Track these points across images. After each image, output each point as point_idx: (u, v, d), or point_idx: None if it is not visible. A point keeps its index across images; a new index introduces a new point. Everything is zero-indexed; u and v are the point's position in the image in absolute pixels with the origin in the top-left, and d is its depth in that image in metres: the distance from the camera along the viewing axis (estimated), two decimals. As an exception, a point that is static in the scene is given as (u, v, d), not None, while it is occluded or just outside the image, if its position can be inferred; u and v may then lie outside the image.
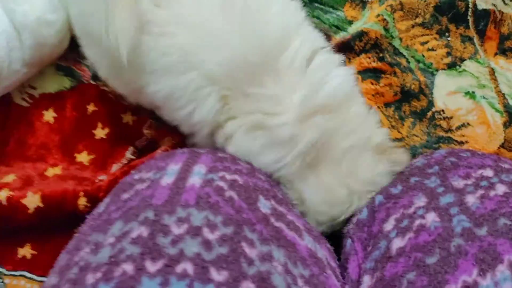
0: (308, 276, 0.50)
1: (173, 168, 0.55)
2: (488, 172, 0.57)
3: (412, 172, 0.64)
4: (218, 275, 0.42)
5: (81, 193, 0.70)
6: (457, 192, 0.55)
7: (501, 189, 0.54)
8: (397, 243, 0.54)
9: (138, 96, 0.70)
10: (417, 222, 0.54)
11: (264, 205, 0.55)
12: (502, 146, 0.88)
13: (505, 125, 0.89)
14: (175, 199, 0.49)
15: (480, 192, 0.54)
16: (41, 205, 0.70)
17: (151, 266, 0.41)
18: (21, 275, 0.73)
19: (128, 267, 0.40)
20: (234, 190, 0.54)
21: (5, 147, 0.78)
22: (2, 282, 0.72)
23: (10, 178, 0.74)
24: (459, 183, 0.57)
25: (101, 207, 0.55)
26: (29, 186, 0.71)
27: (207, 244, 0.44)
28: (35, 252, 0.73)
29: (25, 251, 0.73)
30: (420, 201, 0.57)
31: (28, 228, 0.72)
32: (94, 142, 0.78)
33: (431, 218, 0.53)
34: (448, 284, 0.45)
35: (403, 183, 0.62)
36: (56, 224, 0.71)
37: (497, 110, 0.90)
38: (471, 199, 0.53)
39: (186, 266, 0.41)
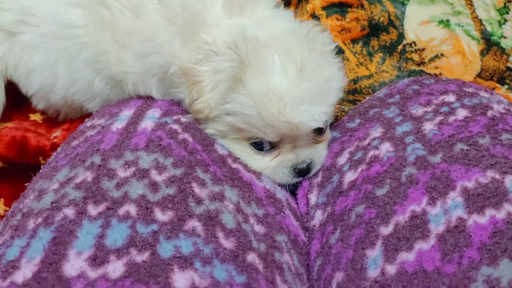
0: (262, 215, 0.49)
1: (126, 113, 0.55)
2: (450, 98, 0.55)
3: (373, 103, 0.61)
4: (162, 215, 0.42)
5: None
6: (415, 120, 0.53)
7: (461, 113, 0.51)
8: (349, 177, 0.52)
9: None
10: (371, 153, 0.52)
11: (222, 147, 0.55)
12: (478, 75, 0.84)
13: (482, 53, 0.85)
14: (124, 143, 0.49)
15: (439, 118, 0.52)
16: (2, 148, 0.70)
17: (93, 210, 0.41)
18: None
19: (69, 212, 0.41)
20: (189, 133, 0.53)
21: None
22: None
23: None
24: (418, 111, 0.55)
25: (52, 155, 0.55)
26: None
27: (153, 186, 0.44)
28: (8, 209, 0.72)
29: (-1, 208, 0.75)
30: (376, 132, 0.55)
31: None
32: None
33: (385, 148, 0.51)
34: (395, 215, 0.44)
35: (361, 116, 0.60)
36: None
37: (473, 38, 0.86)
38: (428, 126, 0.51)
39: (129, 208, 0.42)
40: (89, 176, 0.44)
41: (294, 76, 0.50)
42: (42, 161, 0.69)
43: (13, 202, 0.71)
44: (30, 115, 0.77)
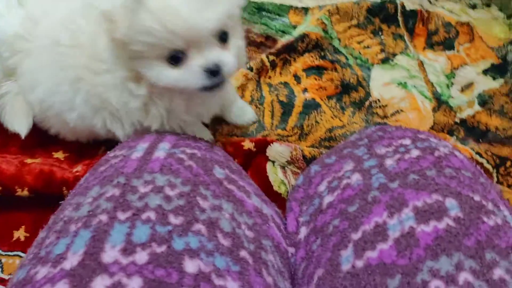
0: (251, 224, 0.61)
1: (142, 145, 0.66)
2: (407, 141, 0.68)
3: (346, 145, 0.75)
4: (175, 219, 0.52)
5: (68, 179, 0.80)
6: (379, 157, 0.66)
7: (415, 153, 0.64)
8: (328, 199, 0.65)
9: None
10: (344, 181, 0.65)
11: (219, 173, 0.67)
12: (432, 128, 1.00)
13: (434, 110, 1.02)
14: (143, 167, 0.60)
15: (397, 156, 0.65)
16: (31, 180, 0.80)
17: (122, 215, 0.51)
18: (16, 255, 0.82)
19: (103, 217, 0.51)
20: (193, 161, 0.65)
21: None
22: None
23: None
24: (381, 150, 0.68)
25: (81, 181, 0.65)
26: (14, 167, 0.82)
27: (167, 198, 0.55)
28: (28, 234, 0.82)
29: (20, 233, 0.82)
30: (349, 166, 0.68)
31: (22, 212, 0.82)
32: (69, 143, 0.88)
33: (355, 177, 0.64)
34: (363, 225, 0.56)
35: (336, 154, 0.73)
36: (46, 208, 0.80)
37: (426, 97, 1.03)
38: (389, 162, 0.64)
39: (150, 214, 0.52)
40: (116, 192, 0.55)
41: None
42: (65, 191, 0.80)
43: (31, 228, 0.82)
44: (53, 153, 0.88)
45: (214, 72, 0.65)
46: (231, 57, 0.67)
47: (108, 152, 0.69)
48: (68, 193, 0.78)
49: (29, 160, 0.83)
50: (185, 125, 0.79)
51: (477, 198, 0.56)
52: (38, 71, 0.77)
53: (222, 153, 0.74)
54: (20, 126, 0.85)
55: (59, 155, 0.88)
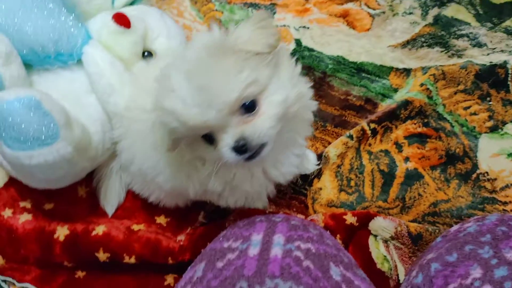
0: None
1: (256, 238, 0.65)
2: None
3: (466, 239, 0.70)
4: None
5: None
6: (509, 264, 0.61)
7: None
8: None
9: None
10: None
11: (335, 273, 0.64)
12: (546, 205, 0.92)
13: (549, 185, 0.94)
14: (263, 270, 0.59)
15: None
16: (139, 248, 0.83)
17: None
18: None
19: None
20: (310, 259, 0.63)
21: (96, 211, 0.91)
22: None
23: (100, 228, 0.85)
24: (510, 255, 0.63)
25: (198, 271, 0.64)
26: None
27: None
28: None
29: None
30: (476, 272, 0.63)
31: (127, 276, 0.85)
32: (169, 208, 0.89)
33: None
34: None
35: (458, 251, 0.68)
36: (150, 273, 0.84)
37: (540, 171, 0.95)
38: None
39: None
40: None
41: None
42: (170, 261, 0.81)
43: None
44: (155, 217, 0.90)
45: (242, 146, 0.62)
46: (258, 125, 0.63)
47: (221, 237, 0.69)
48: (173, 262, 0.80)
49: (135, 227, 0.85)
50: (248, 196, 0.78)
51: None
52: (133, 142, 0.79)
53: (332, 241, 0.72)
54: (109, 206, 0.91)
55: (161, 220, 0.89)
